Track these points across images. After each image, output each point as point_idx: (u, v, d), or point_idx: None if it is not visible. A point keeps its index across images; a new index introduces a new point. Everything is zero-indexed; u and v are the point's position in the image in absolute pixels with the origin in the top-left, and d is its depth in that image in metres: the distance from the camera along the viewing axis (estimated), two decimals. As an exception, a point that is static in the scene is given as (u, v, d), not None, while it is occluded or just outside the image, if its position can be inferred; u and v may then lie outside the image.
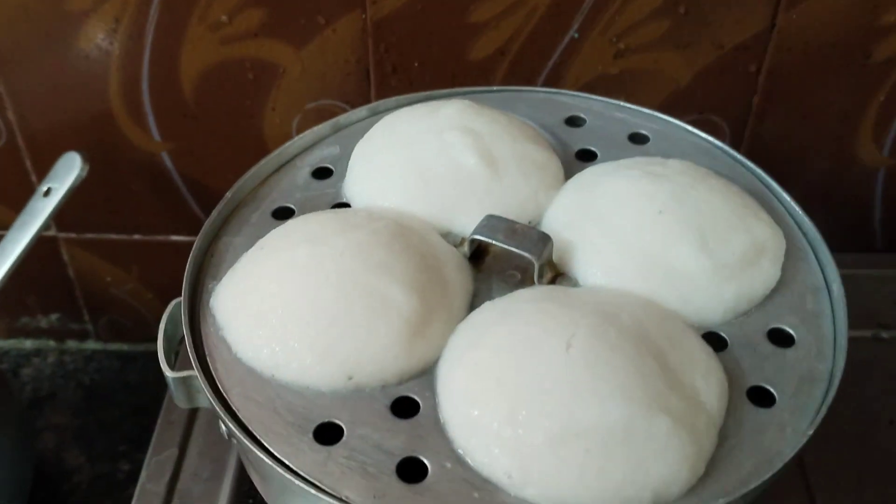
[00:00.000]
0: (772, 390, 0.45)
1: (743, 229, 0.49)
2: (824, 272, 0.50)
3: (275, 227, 0.51)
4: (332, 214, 0.51)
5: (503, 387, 0.42)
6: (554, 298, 0.46)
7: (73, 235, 0.83)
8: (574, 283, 0.49)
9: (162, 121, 0.75)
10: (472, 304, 0.48)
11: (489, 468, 0.41)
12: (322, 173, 0.56)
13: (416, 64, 0.71)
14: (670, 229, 0.48)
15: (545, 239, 0.48)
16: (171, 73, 0.72)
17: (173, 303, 0.48)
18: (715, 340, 0.47)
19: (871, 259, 0.79)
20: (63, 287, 0.87)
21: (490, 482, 0.41)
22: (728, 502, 0.40)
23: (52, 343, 0.92)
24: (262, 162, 0.56)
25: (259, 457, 0.41)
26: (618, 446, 0.40)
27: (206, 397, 0.45)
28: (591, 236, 0.49)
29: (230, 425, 0.43)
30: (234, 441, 0.45)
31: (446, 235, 0.51)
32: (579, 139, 0.58)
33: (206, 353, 0.46)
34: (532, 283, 0.49)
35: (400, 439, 0.42)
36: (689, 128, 0.58)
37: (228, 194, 0.53)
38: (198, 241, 0.50)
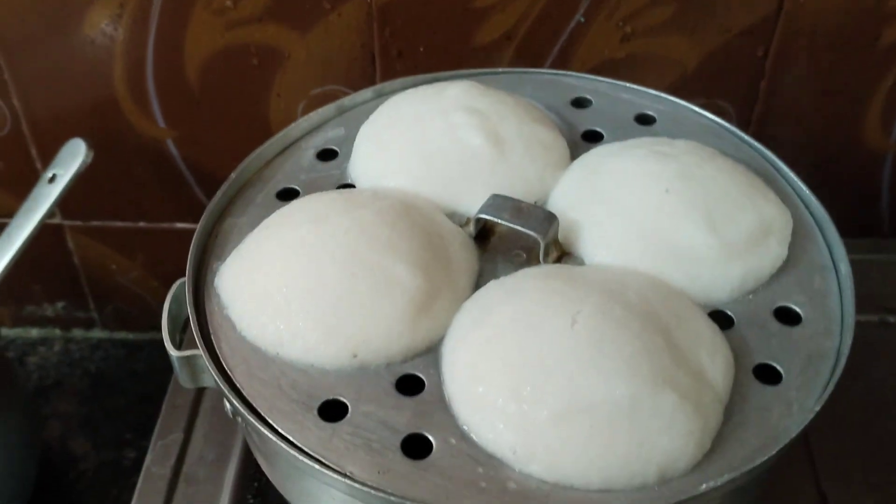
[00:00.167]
0: (778, 368, 0.45)
1: (750, 208, 0.49)
2: (831, 251, 0.50)
3: (279, 208, 0.51)
4: (337, 194, 0.51)
5: (508, 363, 0.42)
6: (559, 276, 0.46)
7: (78, 223, 0.83)
8: (580, 263, 0.49)
9: (166, 107, 0.75)
10: (478, 284, 0.48)
11: (494, 444, 0.41)
12: (327, 155, 0.56)
13: (421, 49, 0.71)
14: (677, 208, 0.48)
15: (551, 218, 0.48)
16: (176, 58, 0.72)
17: (177, 283, 0.48)
18: (721, 319, 0.46)
19: (878, 244, 0.79)
20: (68, 275, 0.87)
21: (495, 458, 0.41)
22: (734, 478, 0.40)
23: (57, 331, 0.93)
24: (267, 143, 0.56)
25: (264, 434, 0.41)
26: (623, 422, 0.40)
27: (210, 376, 0.44)
28: (597, 215, 0.49)
29: (235, 403, 0.42)
30: (239, 420, 0.45)
31: (452, 215, 0.51)
32: (585, 120, 0.58)
33: (211, 332, 0.46)
34: (538, 262, 0.48)
35: (405, 416, 0.42)
36: (696, 109, 0.58)
37: (233, 175, 0.53)
38: (202, 222, 0.50)
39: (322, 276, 0.45)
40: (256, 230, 0.49)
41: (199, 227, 0.50)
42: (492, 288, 0.47)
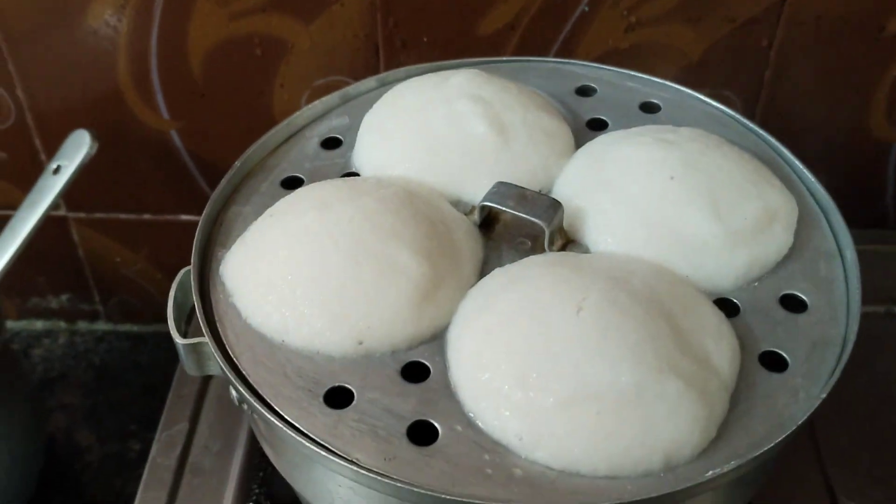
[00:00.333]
0: (784, 355, 0.44)
1: (755, 195, 0.49)
2: (837, 239, 0.50)
3: (284, 197, 0.51)
4: (341, 182, 0.51)
5: (513, 350, 0.42)
6: (564, 264, 0.46)
7: (82, 215, 0.83)
8: (585, 250, 0.49)
9: (170, 98, 0.75)
10: (483, 272, 0.48)
11: (500, 431, 0.41)
12: (331, 143, 0.56)
13: (424, 39, 0.70)
14: (681, 196, 0.48)
15: (556, 205, 0.48)
16: (180, 49, 0.72)
17: (183, 271, 0.48)
18: (727, 306, 0.46)
19: (883, 235, 0.79)
20: (73, 267, 0.87)
21: (501, 445, 0.41)
22: (740, 465, 0.40)
23: (62, 324, 0.93)
24: (271, 132, 0.56)
25: (270, 421, 0.41)
26: (629, 409, 0.40)
27: (216, 364, 0.44)
28: (601, 203, 0.49)
29: (241, 390, 0.42)
30: (245, 407, 0.45)
31: (456, 204, 0.51)
32: (590, 108, 0.58)
33: (217, 319, 0.46)
34: (542, 250, 0.48)
35: (410, 403, 0.42)
36: (701, 97, 0.58)
37: (237, 164, 0.53)
38: (206, 210, 0.50)
39: (327, 264, 0.45)
40: (261, 218, 0.49)
41: (203, 215, 0.50)
42: (497, 276, 0.47)
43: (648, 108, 0.58)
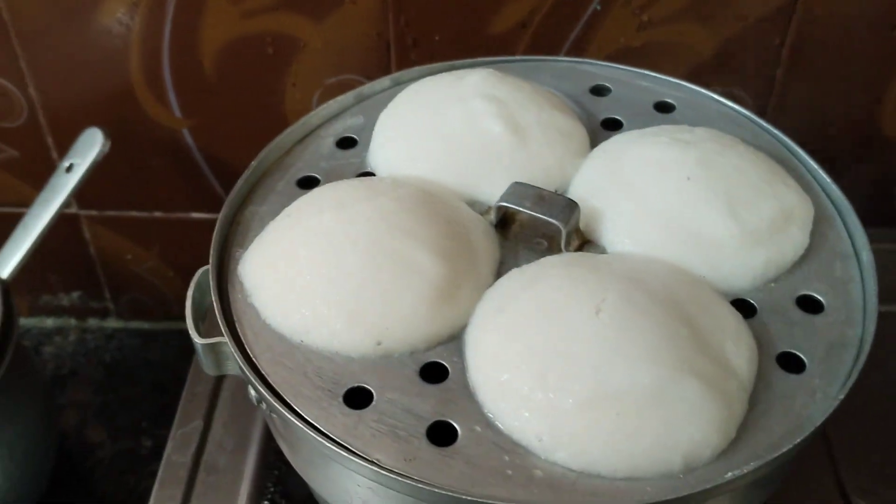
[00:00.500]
0: (801, 356, 0.45)
1: (771, 196, 0.49)
2: (852, 239, 0.50)
3: (300, 196, 0.51)
4: (358, 182, 0.51)
5: (532, 351, 0.42)
6: (582, 264, 0.46)
7: (94, 213, 0.83)
8: (601, 251, 0.49)
9: (183, 96, 0.75)
10: (499, 272, 0.48)
11: (519, 432, 0.41)
12: (346, 143, 0.56)
13: (436, 37, 0.70)
14: (698, 195, 0.48)
15: (572, 206, 0.48)
16: (192, 48, 0.72)
17: (201, 270, 0.48)
18: (744, 307, 0.46)
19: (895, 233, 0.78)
20: (84, 265, 0.88)
21: (520, 446, 0.41)
22: (759, 466, 0.40)
23: (73, 321, 0.93)
24: (287, 131, 0.56)
25: (290, 421, 0.41)
26: (648, 410, 0.40)
27: (235, 363, 0.45)
28: (618, 203, 0.49)
29: (261, 390, 0.43)
30: (264, 407, 0.45)
31: (472, 204, 0.51)
32: (604, 108, 0.58)
33: (235, 319, 0.46)
34: (559, 250, 0.48)
35: (429, 403, 0.42)
36: (715, 96, 0.58)
37: (254, 163, 0.53)
38: (224, 210, 0.51)
39: (345, 264, 0.45)
40: (278, 218, 0.50)
41: (220, 215, 0.50)
42: (514, 276, 0.47)
43: (663, 108, 0.58)
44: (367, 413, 0.42)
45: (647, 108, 0.58)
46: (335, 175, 0.54)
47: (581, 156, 0.53)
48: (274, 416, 0.44)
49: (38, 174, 0.75)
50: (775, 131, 0.56)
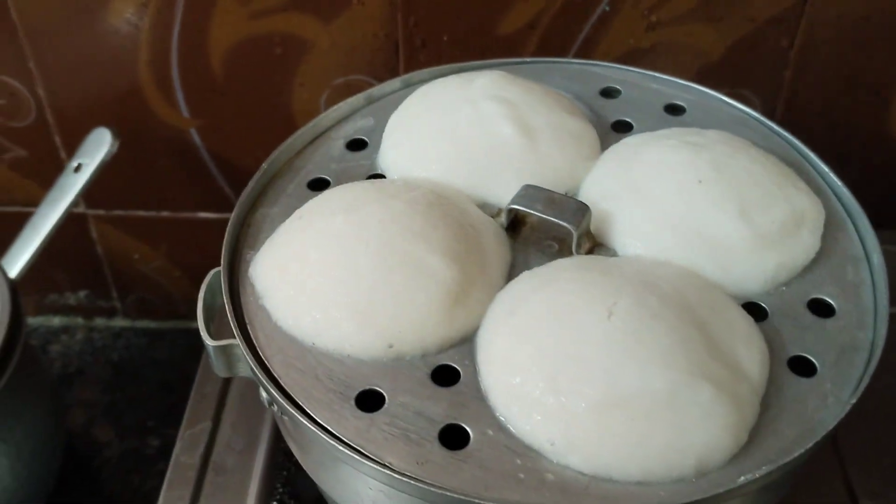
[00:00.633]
0: (813, 360, 0.45)
1: (782, 199, 0.49)
2: (863, 242, 0.50)
3: (311, 199, 0.51)
4: (369, 184, 0.51)
5: (544, 354, 0.42)
6: (594, 267, 0.46)
7: (101, 212, 0.83)
8: (612, 254, 0.49)
9: (191, 97, 0.75)
10: (510, 275, 0.48)
11: (531, 435, 0.41)
12: (356, 145, 0.56)
13: (444, 38, 0.70)
14: (709, 199, 0.48)
15: (583, 209, 0.48)
16: (201, 48, 0.72)
17: (212, 272, 0.48)
18: (755, 310, 0.46)
19: (903, 235, 0.78)
20: (91, 264, 0.88)
21: (532, 449, 0.41)
22: (771, 470, 0.40)
23: (80, 320, 0.93)
24: (297, 133, 0.56)
25: (302, 424, 0.42)
26: (661, 414, 0.40)
27: (246, 365, 0.45)
28: (629, 206, 0.49)
29: (273, 393, 0.43)
30: (275, 409, 0.45)
31: (482, 206, 0.51)
32: (615, 110, 0.58)
33: (247, 321, 0.46)
34: (570, 253, 0.48)
35: (441, 407, 0.42)
36: (726, 98, 0.58)
37: (264, 165, 0.53)
38: (235, 212, 0.51)
39: (357, 267, 0.45)
40: (289, 220, 0.50)
41: (231, 217, 0.50)
42: (525, 279, 0.47)
43: (673, 110, 0.58)
44: (378, 416, 0.42)
45: (657, 110, 0.58)
46: (345, 177, 0.54)
47: (591, 158, 0.53)
48: (285, 418, 0.44)
49: (46, 173, 0.76)
50: (786, 134, 0.56)
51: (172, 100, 0.75)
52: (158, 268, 0.87)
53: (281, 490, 0.60)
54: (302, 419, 0.42)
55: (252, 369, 0.44)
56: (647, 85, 0.59)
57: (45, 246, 0.69)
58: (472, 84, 0.55)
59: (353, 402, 0.42)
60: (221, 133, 0.77)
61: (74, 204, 0.69)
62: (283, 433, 0.51)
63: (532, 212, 0.48)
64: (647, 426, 0.40)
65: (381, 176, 0.54)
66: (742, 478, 0.40)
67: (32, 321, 0.92)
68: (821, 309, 0.47)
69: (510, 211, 0.49)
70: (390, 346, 0.44)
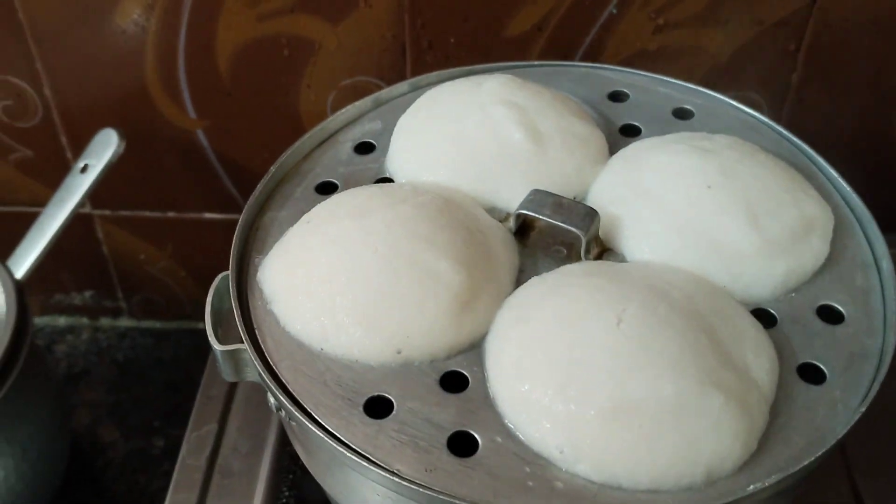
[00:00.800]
0: (822, 367, 0.44)
1: (792, 205, 0.48)
2: (873, 248, 0.50)
3: (319, 202, 0.51)
4: (378, 188, 0.51)
5: (553, 361, 0.42)
6: (603, 273, 0.46)
7: (107, 213, 0.83)
8: (621, 259, 0.49)
9: (197, 98, 0.75)
10: (519, 280, 0.48)
11: (540, 443, 0.41)
12: (364, 148, 0.56)
13: (451, 40, 0.70)
14: (719, 204, 0.48)
15: (592, 214, 0.48)
16: (208, 49, 0.72)
17: (220, 276, 0.48)
18: (764, 317, 0.46)
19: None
20: (97, 264, 0.88)
21: (541, 457, 0.41)
22: (781, 479, 0.40)
23: (85, 320, 0.93)
24: (305, 137, 0.56)
25: (309, 430, 0.41)
26: (670, 421, 0.40)
27: (254, 370, 0.45)
28: (638, 211, 0.49)
29: (281, 398, 0.43)
30: (283, 414, 0.45)
31: (491, 210, 0.51)
32: (623, 114, 0.57)
33: (255, 326, 0.46)
34: (578, 258, 0.48)
35: (450, 413, 0.42)
36: (734, 103, 0.58)
37: (272, 169, 0.53)
38: (243, 216, 0.50)
39: (365, 272, 0.45)
40: (298, 224, 0.49)
41: (240, 221, 0.50)
42: (534, 284, 0.47)
43: (682, 115, 0.57)
44: (387, 422, 0.42)
45: (665, 114, 0.57)
46: (353, 180, 0.54)
47: (600, 163, 0.53)
48: (293, 423, 0.44)
49: (53, 174, 0.76)
50: (794, 138, 0.56)
51: (179, 101, 0.75)
52: (164, 268, 0.87)
53: (287, 493, 0.60)
54: (310, 425, 0.41)
55: (260, 374, 0.44)
56: (655, 88, 0.59)
57: (51, 247, 0.69)
58: (481, 88, 0.55)
59: (361, 409, 0.42)
60: (228, 134, 0.77)
61: (81, 205, 0.69)
62: (290, 437, 0.51)
63: (540, 217, 0.48)
64: (656, 434, 0.40)
65: (389, 180, 0.54)
66: (752, 486, 0.40)
67: (38, 321, 0.92)
68: (830, 315, 0.47)
69: (518, 216, 0.49)
70: (399, 352, 0.44)
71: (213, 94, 0.74)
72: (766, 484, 0.39)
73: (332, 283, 0.45)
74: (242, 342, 0.45)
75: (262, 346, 0.45)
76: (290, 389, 0.43)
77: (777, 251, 0.47)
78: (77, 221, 0.82)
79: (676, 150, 0.51)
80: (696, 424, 0.40)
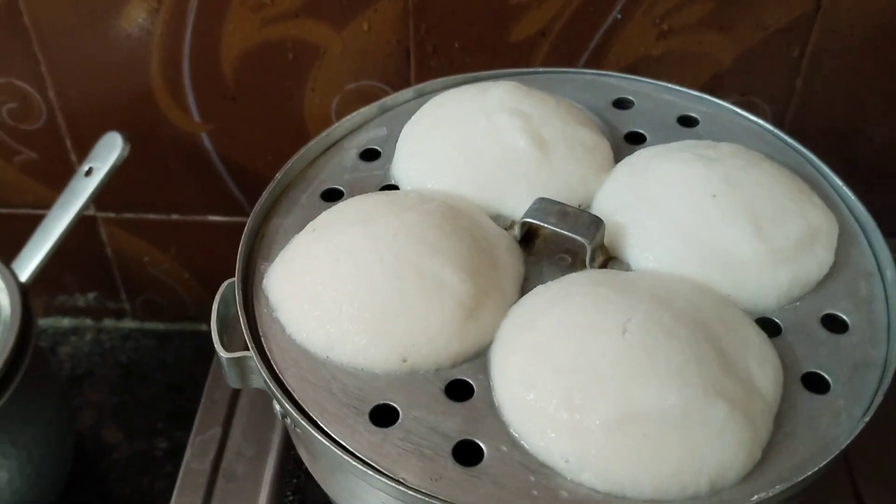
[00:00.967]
0: (826, 377, 0.45)
1: (797, 213, 0.49)
2: (877, 257, 0.50)
3: (324, 209, 0.51)
4: (384, 196, 0.51)
5: (559, 370, 0.42)
6: (608, 283, 0.46)
7: (111, 215, 0.83)
8: (626, 267, 0.49)
9: (202, 101, 0.75)
10: (523, 288, 0.48)
11: (545, 452, 0.41)
12: (370, 155, 0.56)
13: (456, 44, 0.70)
14: (723, 213, 0.48)
15: (597, 222, 0.48)
16: (212, 53, 0.72)
17: (225, 283, 0.48)
18: (769, 326, 0.46)
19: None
20: (101, 266, 0.88)
21: (546, 466, 0.41)
22: (785, 489, 0.40)
23: (89, 321, 0.93)
24: (311, 143, 0.56)
25: (315, 437, 0.42)
26: (675, 431, 0.40)
27: (260, 377, 0.45)
28: (643, 220, 0.49)
29: (286, 406, 0.43)
30: (288, 421, 0.45)
31: (496, 218, 0.51)
32: (628, 122, 0.58)
33: (261, 334, 0.46)
34: (583, 266, 0.48)
35: (455, 422, 0.42)
36: (739, 110, 0.58)
37: (278, 175, 0.53)
38: (249, 223, 0.51)
39: (371, 280, 0.45)
40: (304, 232, 0.50)
41: (246, 227, 0.50)
42: (539, 293, 0.47)
43: (686, 122, 0.57)
44: (392, 431, 0.42)
45: (670, 121, 0.57)
46: (359, 187, 0.54)
47: (605, 170, 0.53)
48: (298, 430, 0.44)
49: (57, 176, 0.76)
50: (799, 146, 0.56)
51: (184, 104, 0.75)
52: (168, 270, 0.87)
53: (291, 497, 0.60)
54: (315, 433, 0.42)
55: (266, 382, 0.44)
56: (659, 96, 0.59)
57: (55, 249, 0.69)
58: (486, 95, 0.55)
59: (366, 417, 0.43)
60: (232, 137, 0.77)
61: (85, 208, 0.69)
62: (295, 442, 0.51)
63: (545, 225, 0.48)
64: (661, 443, 0.40)
65: (395, 187, 0.54)
66: (756, 496, 0.40)
67: (41, 322, 0.93)
68: (834, 325, 0.47)
69: (524, 224, 0.49)
70: (404, 360, 0.44)
71: (218, 97, 0.74)
72: (770, 494, 0.40)
73: (338, 290, 0.45)
74: (248, 349, 0.45)
75: (268, 354, 0.45)
76: (296, 397, 0.43)
77: (782, 260, 0.47)
78: (81, 223, 0.82)
79: (681, 159, 0.51)
80: (701, 433, 0.40)
